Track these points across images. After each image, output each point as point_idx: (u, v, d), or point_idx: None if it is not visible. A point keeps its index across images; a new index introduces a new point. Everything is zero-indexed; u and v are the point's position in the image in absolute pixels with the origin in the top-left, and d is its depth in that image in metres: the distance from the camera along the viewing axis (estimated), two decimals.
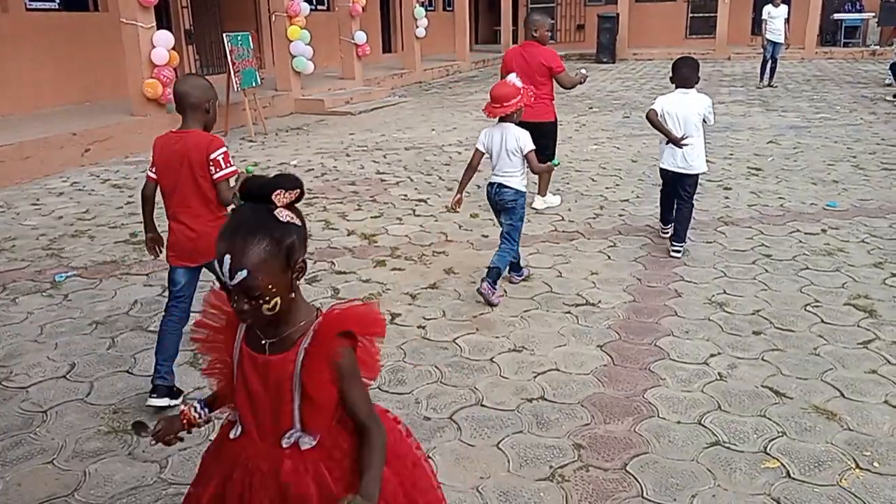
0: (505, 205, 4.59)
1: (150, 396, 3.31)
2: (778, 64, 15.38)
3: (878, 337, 3.93)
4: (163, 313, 3.56)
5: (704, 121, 5.17)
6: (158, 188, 3.54)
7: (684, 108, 5.09)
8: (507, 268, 4.68)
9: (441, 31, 21.75)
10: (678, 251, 5.20)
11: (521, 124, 4.65)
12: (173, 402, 3.34)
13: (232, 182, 3.37)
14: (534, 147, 4.55)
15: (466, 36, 21.39)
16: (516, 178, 4.55)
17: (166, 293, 4.56)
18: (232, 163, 3.38)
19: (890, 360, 3.68)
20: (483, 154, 4.67)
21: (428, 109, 13.34)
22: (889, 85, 14.04)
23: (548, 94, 6.29)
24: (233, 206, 2.80)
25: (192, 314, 3.46)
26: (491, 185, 4.65)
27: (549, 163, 4.95)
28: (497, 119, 4.57)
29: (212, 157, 3.31)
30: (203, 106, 3.36)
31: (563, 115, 12.16)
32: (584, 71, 6.45)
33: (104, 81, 11.42)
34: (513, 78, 4.75)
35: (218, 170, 3.33)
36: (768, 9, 14.64)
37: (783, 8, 14.55)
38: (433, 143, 9.92)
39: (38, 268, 5.23)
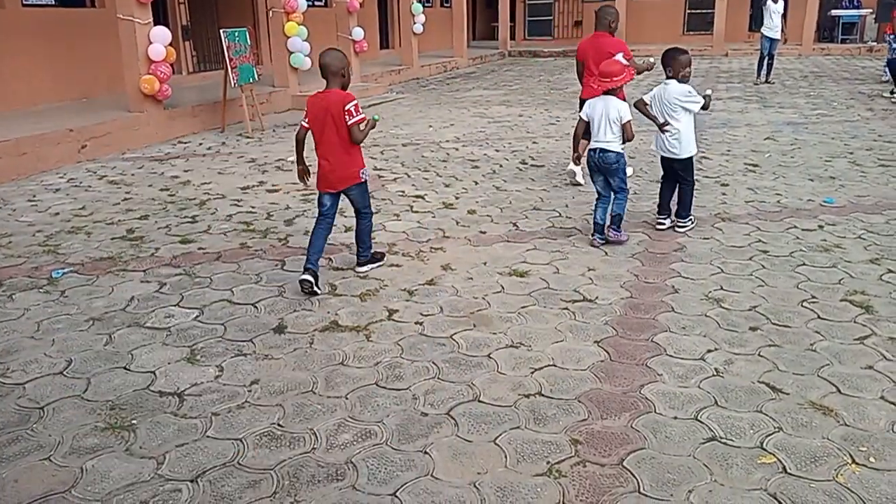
0: (609, 167, 5.32)
1: (303, 275, 4.49)
2: (775, 60, 15.38)
3: (874, 333, 3.93)
4: (314, 226, 4.74)
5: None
6: (309, 134, 4.66)
7: (663, 95, 5.49)
8: (606, 222, 5.40)
9: (439, 27, 21.74)
10: (682, 226, 5.60)
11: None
12: (317, 289, 4.51)
13: (362, 126, 4.57)
14: (631, 118, 5.30)
15: (464, 32, 21.38)
16: (615, 143, 5.30)
17: (163, 289, 4.70)
18: (361, 112, 4.57)
19: (886, 355, 3.68)
20: (586, 122, 5.45)
21: (425, 106, 13.33)
22: (886, 81, 14.03)
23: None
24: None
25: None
26: (593, 150, 5.35)
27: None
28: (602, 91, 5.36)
29: (346, 107, 4.49)
30: (340, 72, 4.57)
31: (560, 111, 12.20)
32: (651, 59, 7.00)
33: (101, 77, 11.40)
34: (619, 57, 5.80)
35: (350, 117, 4.50)
36: (769, 4, 14.63)
37: (781, 4, 14.55)
38: (431, 139, 9.91)
39: (35, 264, 5.22)
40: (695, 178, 5.73)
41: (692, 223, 5.70)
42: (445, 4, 24.13)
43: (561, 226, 5.93)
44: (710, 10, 23.28)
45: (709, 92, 5.61)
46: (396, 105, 13.52)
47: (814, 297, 4.42)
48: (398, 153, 8.98)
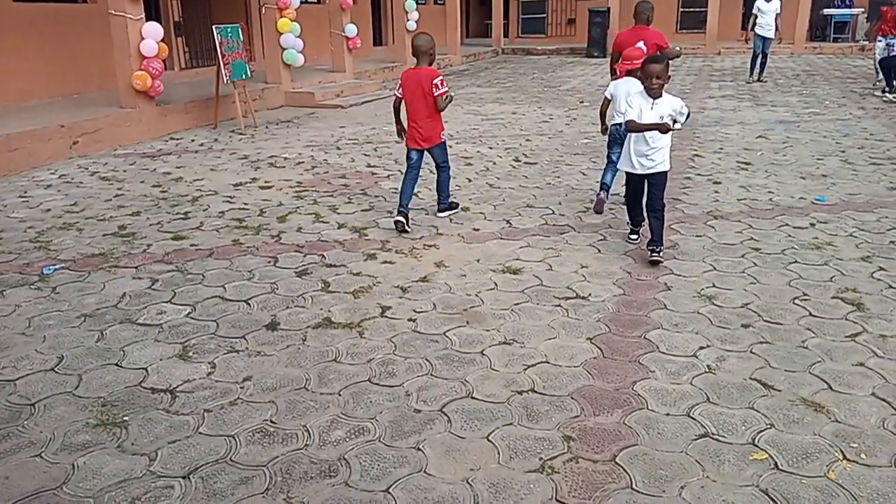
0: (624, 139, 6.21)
1: (396, 217, 5.69)
2: (768, 59, 15.42)
3: (865, 330, 3.95)
4: (404, 176, 5.90)
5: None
6: (403, 103, 5.82)
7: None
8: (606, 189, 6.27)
9: (432, 24, 21.70)
10: (657, 255, 4.91)
11: None
12: (407, 228, 5.67)
13: (445, 97, 5.65)
14: None
15: (458, 30, 21.37)
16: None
17: (156, 285, 4.68)
18: (446, 85, 5.70)
19: (877, 352, 3.70)
20: (609, 100, 6.09)
21: None
22: (880, 81, 14.07)
23: None
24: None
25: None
26: (617, 124, 5.98)
27: None
28: (625, 73, 6.03)
29: (434, 81, 5.60)
30: (429, 52, 5.69)
31: (553, 109, 12.21)
32: (678, 48, 7.80)
33: (92, 73, 11.35)
34: (640, 44, 6.57)
35: (437, 89, 5.60)
36: (759, 3, 14.66)
37: (775, 3, 14.55)
38: None
39: (26, 260, 5.19)
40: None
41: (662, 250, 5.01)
42: (439, 2, 24.10)
43: (554, 223, 5.94)
44: (703, 9, 23.33)
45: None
46: (390, 102, 13.47)
47: (805, 294, 4.44)
48: (391, 150, 8.96)
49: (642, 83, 4.88)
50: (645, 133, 4.85)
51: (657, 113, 4.83)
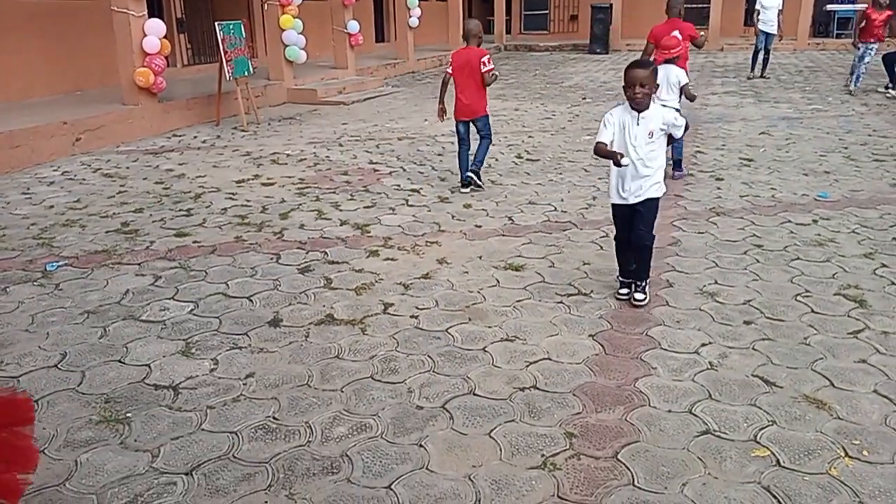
0: None
1: (463, 182, 6.75)
2: (770, 55, 15.39)
3: (867, 327, 3.95)
4: (458, 151, 6.82)
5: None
6: (452, 80, 6.65)
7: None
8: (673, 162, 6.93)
9: (434, 21, 21.69)
10: (642, 297, 4.27)
11: None
12: (466, 189, 6.76)
13: (492, 74, 6.50)
14: (688, 81, 6.84)
15: (460, 26, 21.31)
16: (673, 101, 6.64)
17: (158, 282, 4.70)
18: (492, 63, 6.58)
19: (879, 349, 3.70)
20: None
21: (421, 100, 13.30)
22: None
23: (685, 54, 8.05)
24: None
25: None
26: None
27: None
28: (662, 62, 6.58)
29: (482, 59, 6.47)
30: (477, 35, 6.66)
31: (556, 105, 12.20)
32: (702, 34, 8.52)
33: (95, 70, 11.36)
34: (676, 34, 7.20)
35: (483, 66, 6.46)
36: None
37: None
38: (426, 133, 9.90)
39: (29, 257, 5.20)
40: None
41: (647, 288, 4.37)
42: None
43: (556, 220, 5.93)
44: (705, 5, 23.26)
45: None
46: (392, 99, 13.49)
47: (808, 291, 4.44)
48: (394, 147, 8.96)
49: (624, 93, 4.00)
50: (633, 155, 4.02)
51: (645, 129, 4.00)
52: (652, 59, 8.45)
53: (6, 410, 1.52)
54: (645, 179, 4.07)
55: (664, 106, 6.07)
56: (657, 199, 4.16)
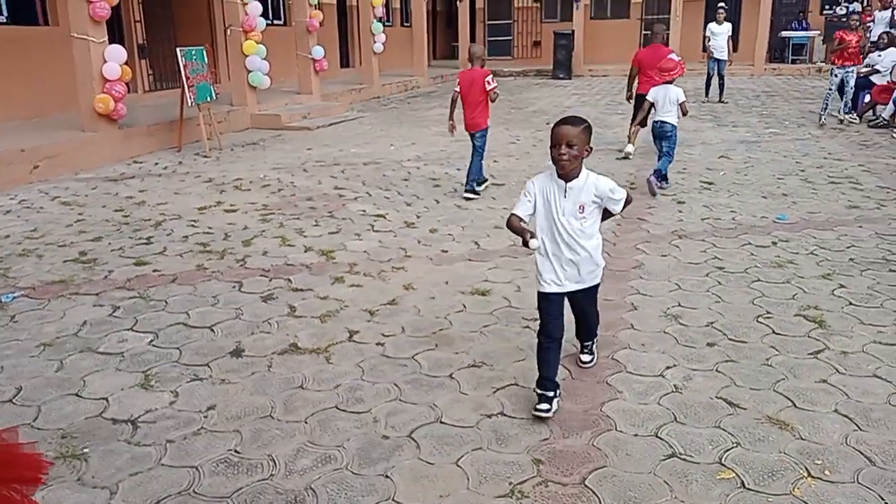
0: (665, 134, 7.60)
1: (465, 192, 7.56)
2: (726, 80, 15.77)
3: (827, 347, 4.01)
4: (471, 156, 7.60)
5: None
6: (459, 98, 7.51)
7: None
8: (659, 176, 7.60)
9: (399, 46, 21.82)
10: (590, 357, 3.84)
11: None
12: (477, 194, 7.60)
13: (495, 92, 7.38)
14: (684, 99, 7.53)
15: (424, 52, 21.48)
16: (672, 117, 7.53)
17: (117, 313, 4.59)
18: (496, 81, 7.44)
19: (839, 369, 3.76)
20: (652, 103, 7.66)
21: (386, 125, 13.33)
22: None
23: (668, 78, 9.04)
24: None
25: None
26: (655, 122, 7.66)
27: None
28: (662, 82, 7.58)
29: (486, 79, 7.29)
30: (481, 57, 7.47)
31: (520, 130, 12.30)
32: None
33: (54, 96, 11.18)
34: (674, 56, 7.97)
35: (488, 85, 7.28)
36: (711, 26, 15.12)
37: (726, 25, 15.03)
38: (392, 158, 9.91)
39: None
40: None
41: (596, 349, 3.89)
42: (406, 24, 24.24)
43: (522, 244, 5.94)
44: (666, 31, 23.75)
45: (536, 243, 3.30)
46: (357, 124, 13.50)
47: (769, 312, 4.50)
48: (359, 172, 8.95)
49: (551, 154, 3.19)
50: (561, 232, 3.26)
51: (573, 201, 3.22)
52: (635, 84, 9.67)
53: (13, 463, 1.30)
54: (584, 263, 3.33)
55: (664, 122, 7.51)
56: (598, 285, 3.52)
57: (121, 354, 4.02)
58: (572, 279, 3.36)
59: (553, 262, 3.33)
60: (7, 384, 3.70)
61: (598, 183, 3.26)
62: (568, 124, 3.20)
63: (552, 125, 3.24)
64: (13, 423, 3.32)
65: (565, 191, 3.24)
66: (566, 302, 3.47)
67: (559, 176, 3.24)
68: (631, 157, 9.51)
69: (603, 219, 3.42)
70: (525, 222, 3.31)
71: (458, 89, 7.50)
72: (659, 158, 7.72)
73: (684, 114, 7.62)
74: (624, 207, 3.38)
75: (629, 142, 9.70)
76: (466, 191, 7.56)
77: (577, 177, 3.23)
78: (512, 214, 3.33)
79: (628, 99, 10.24)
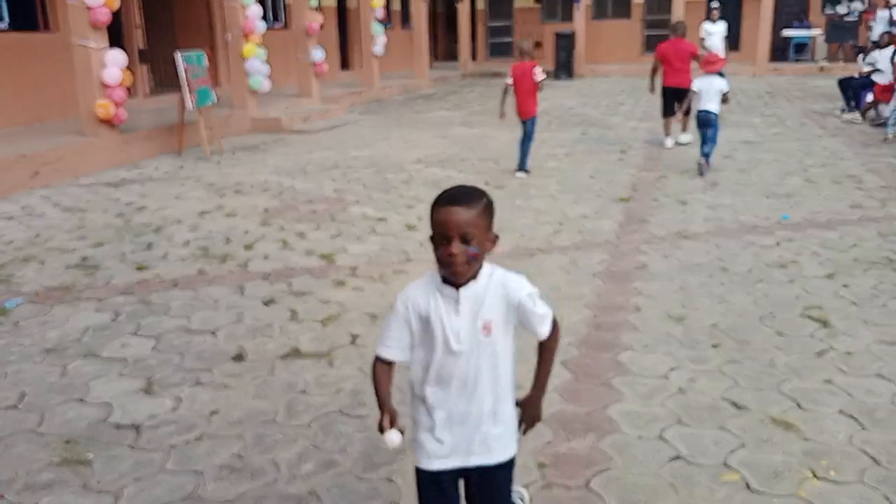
0: (710, 121, 8.40)
1: (517, 172, 8.59)
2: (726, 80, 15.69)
3: (832, 347, 4.00)
4: (519, 141, 8.69)
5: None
6: (512, 89, 8.50)
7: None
8: (707, 157, 8.47)
9: (399, 48, 21.82)
10: None
11: (676, 89, 10.00)
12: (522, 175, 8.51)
13: (543, 82, 8.45)
14: (728, 89, 8.55)
15: (425, 54, 21.48)
16: (715, 105, 8.41)
17: (119, 318, 4.59)
18: (543, 72, 8.42)
19: (843, 369, 3.74)
20: (696, 92, 8.53)
21: (387, 127, 13.33)
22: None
23: (688, 70, 10.20)
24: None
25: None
26: (700, 111, 8.47)
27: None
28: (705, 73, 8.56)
29: (534, 70, 8.29)
30: (531, 52, 8.48)
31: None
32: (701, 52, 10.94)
33: (54, 101, 11.19)
34: (717, 51, 9.41)
35: (536, 76, 8.31)
36: (706, 25, 14.94)
37: (721, 24, 14.75)
38: (392, 160, 9.90)
39: None
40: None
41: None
42: (406, 26, 24.25)
43: (524, 246, 5.95)
44: (666, 32, 23.73)
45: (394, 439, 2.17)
46: (357, 127, 13.50)
47: (772, 312, 4.49)
48: (359, 175, 8.95)
49: (435, 253, 2.00)
50: (453, 371, 2.02)
51: (473, 318, 2.01)
52: (658, 76, 10.61)
53: None
54: (485, 421, 2.06)
55: (708, 112, 8.44)
56: (512, 459, 2.15)
57: (123, 360, 4.01)
58: (467, 450, 2.06)
59: (437, 419, 2.05)
60: (10, 390, 3.70)
61: (507, 283, 2.05)
62: (459, 205, 1.96)
63: (433, 203, 2.00)
64: (17, 428, 3.33)
65: (457, 304, 2.00)
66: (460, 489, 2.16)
67: (446, 282, 2.02)
68: (676, 146, 10.39)
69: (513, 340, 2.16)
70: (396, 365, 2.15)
71: (509, 81, 8.52)
72: (703, 144, 8.46)
73: (725, 102, 8.45)
74: (554, 336, 2.22)
75: (666, 135, 10.53)
76: (519, 170, 8.63)
77: (474, 278, 2.01)
78: (376, 359, 2.16)
79: (650, 90, 11.06)
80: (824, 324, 4.30)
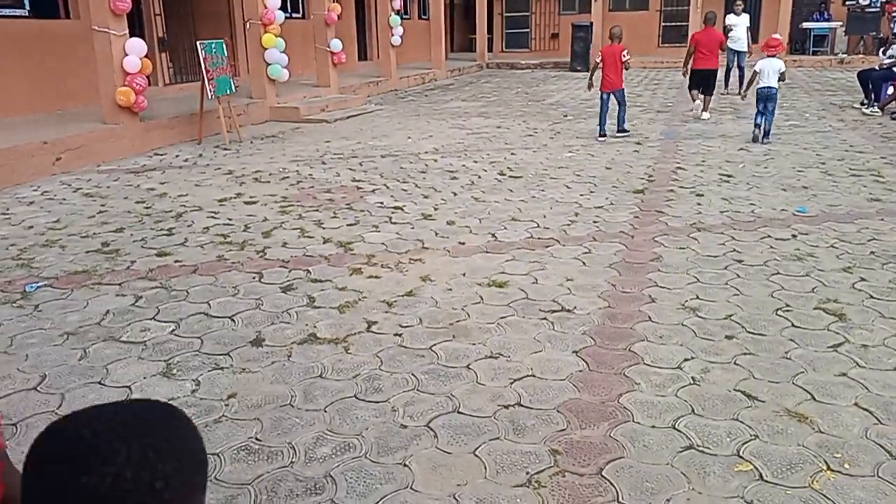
0: (772, 96, 9.69)
1: (598, 137, 10.43)
2: (745, 72, 15.59)
3: (847, 340, 3.99)
4: (600, 111, 10.42)
5: None
6: (599, 67, 10.39)
7: None
8: (764, 132, 9.88)
9: (417, 39, 21.81)
10: None
11: (704, 70, 12.07)
12: (602, 139, 10.32)
13: (629, 62, 10.34)
14: (785, 69, 9.82)
15: (442, 44, 21.46)
16: (775, 82, 9.66)
17: (139, 302, 4.64)
18: (629, 54, 10.28)
19: (859, 362, 3.74)
20: (758, 72, 9.76)
21: (404, 117, 13.35)
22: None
23: (717, 55, 12.12)
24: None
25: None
26: (762, 87, 9.67)
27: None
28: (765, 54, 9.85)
29: (622, 52, 10.14)
30: (620, 36, 10.29)
31: (538, 123, 12.28)
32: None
33: (76, 89, 11.30)
34: (776, 35, 10.48)
35: (623, 57, 10.15)
36: (730, 17, 14.91)
37: (744, 16, 14.76)
38: (409, 150, 9.93)
39: (8, 278, 5.15)
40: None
41: None
42: (423, 17, 24.22)
43: (539, 236, 5.96)
44: (684, 23, 23.58)
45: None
46: (375, 116, 13.53)
47: (788, 305, 4.48)
48: (377, 164, 8.98)
49: None
50: None
51: None
52: (690, 61, 12.20)
53: None
54: None
55: (769, 87, 9.66)
56: None
57: (143, 343, 4.07)
58: None
59: None
60: (32, 372, 3.77)
61: None
62: None
63: None
64: (38, 410, 3.39)
65: None
66: None
67: None
68: (704, 118, 12.02)
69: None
70: None
71: (598, 59, 10.43)
72: (759, 115, 9.78)
73: (782, 80, 9.74)
74: None
75: (693, 100, 12.36)
76: (619, 131, 10.43)
77: None
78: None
79: (684, 74, 12.63)
80: (840, 317, 4.28)
